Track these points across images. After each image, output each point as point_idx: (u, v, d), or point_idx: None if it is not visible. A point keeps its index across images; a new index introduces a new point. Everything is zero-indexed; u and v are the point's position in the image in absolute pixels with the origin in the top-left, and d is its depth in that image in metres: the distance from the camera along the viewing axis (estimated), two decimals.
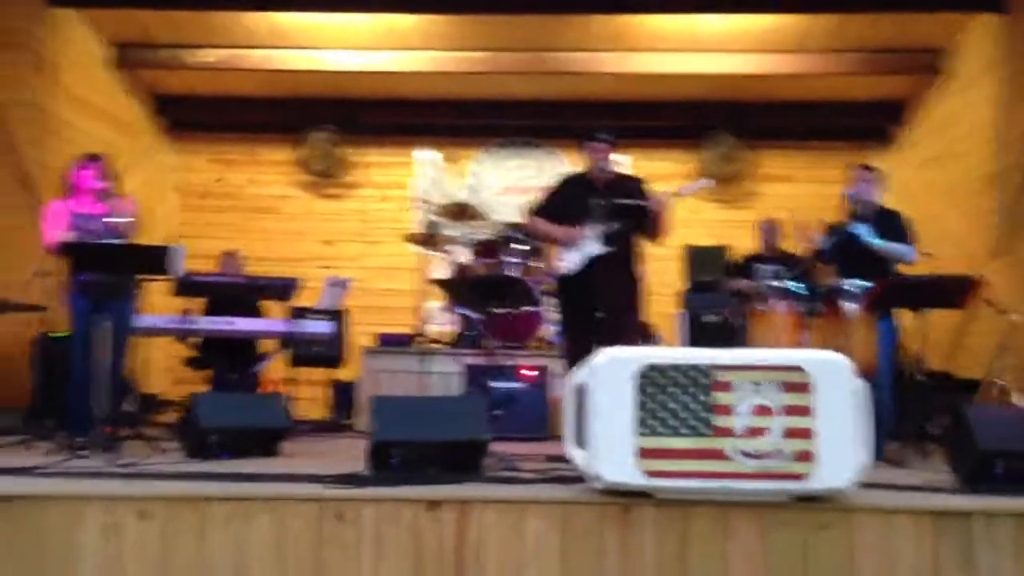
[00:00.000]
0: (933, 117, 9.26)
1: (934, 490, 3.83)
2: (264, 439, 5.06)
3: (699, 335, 7.50)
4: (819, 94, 9.72)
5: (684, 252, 8.74)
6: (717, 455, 3.46)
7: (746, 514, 3.49)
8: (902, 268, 5.75)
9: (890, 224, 5.73)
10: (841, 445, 3.44)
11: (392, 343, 7.68)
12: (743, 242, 7.33)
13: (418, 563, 3.50)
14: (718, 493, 3.47)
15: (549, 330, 7.55)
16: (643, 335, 5.98)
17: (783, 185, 10.13)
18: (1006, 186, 7.72)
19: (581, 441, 3.62)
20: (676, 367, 3.53)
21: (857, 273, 5.45)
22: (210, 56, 9.15)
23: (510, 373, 6.79)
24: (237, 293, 7.12)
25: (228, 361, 7.16)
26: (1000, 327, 6.85)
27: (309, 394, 8.65)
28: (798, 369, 3.51)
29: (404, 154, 10.39)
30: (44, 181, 7.46)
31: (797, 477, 3.44)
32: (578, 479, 3.71)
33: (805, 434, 3.45)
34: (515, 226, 7.93)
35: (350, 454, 4.56)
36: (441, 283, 6.42)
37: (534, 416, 6.58)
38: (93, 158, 5.70)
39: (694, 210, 9.96)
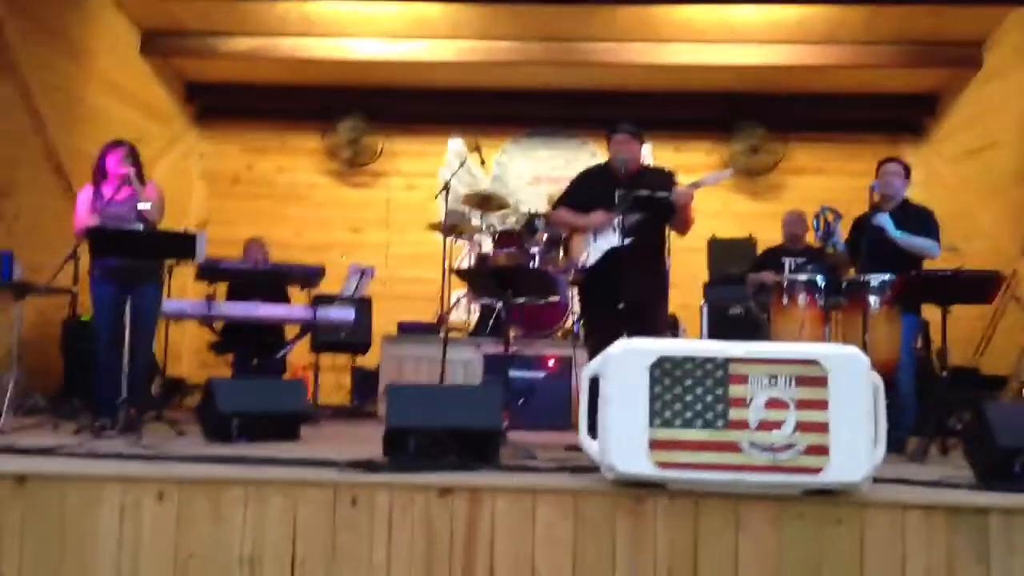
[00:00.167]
0: (967, 110, 9.15)
1: (950, 486, 3.79)
2: (283, 424, 5.10)
3: (722, 327, 7.47)
4: (851, 86, 9.64)
5: (709, 244, 8.69)
6: (731, 448, 3.44)
7: (759, 507, 3.47)
8: (927, 263, 5.70)
9: (914, 218, 5.69)
10: (856, 440, 3.41)
11: (412, 330, 7.71)
12: (772, 234, 7.27)
13: (429, 549, 3.51)
14: (731, 486, 3.46)
15: (572, 320, 7.57)
16: (667, 327, 5.96)
17: (813, 178, 10.05)
18: None
19: (594, 431, 3.62)
20: (691, 359, 3.51)
21: (881, 267, 5.40)
22: (240, 44, 9.22)
23: (529, 362, 6.80)
24: (259, 279, 7.15)
25: (251, 346, 7.20)
26: None
27: (333, 380, 8.73)
28: (814, 363, 3.48)
29: (431, 143, 10.42)
30: (76, 167, 7.56)
31: (811, 471, 3.41)
32: (593, 469, 3.71)
33: (820, 428, 3.43)
34: (539, 216, 7.94)
35: (369, 440, 4.57)
36: (461, 273, 6.42)
37: (556, 405, 6.59)
38: (118, 144, 5.77)
39: (724, 202, 9.94)
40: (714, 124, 10.19)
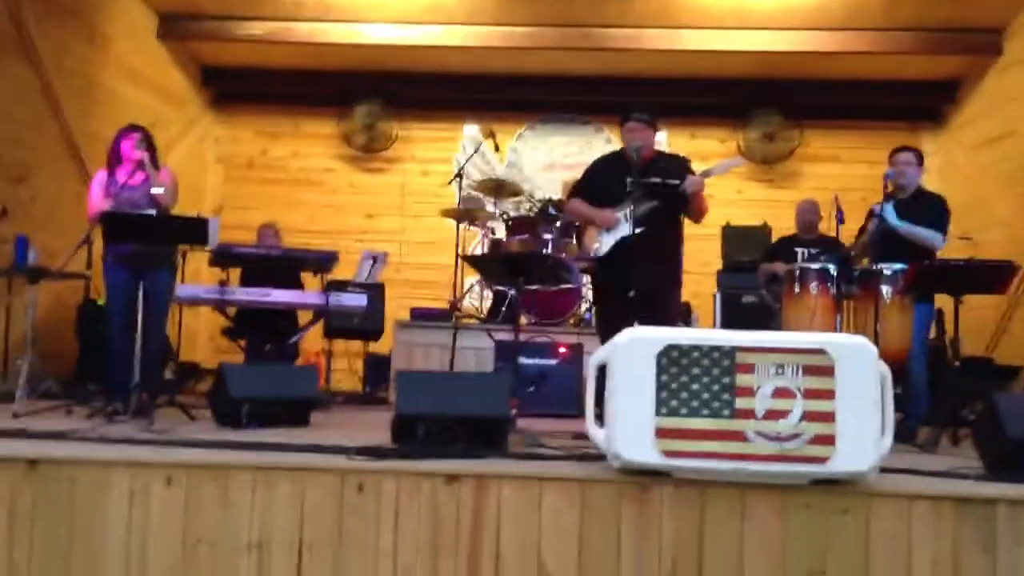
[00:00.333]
0: (986, 98, 9.08)
1: (959, 476, 3.77)
2: (294, 410, 5.11)
3: (735, 316, 7.46)
4: (869, 73, 9.57)
5: (723, 232, 8.66)
6: (737, 436, 3.43)
7: (764, 496, 3.46)
8: (941, 252, 5.66)
9: (923, 207, 5.65)
10: (862, 429, 3.40)
11: (424, 317, 7.73)
12: (788, 222, 7.24)
13: (436, 536, 3.53)
14: (737, 475, 3.45)
15: (585, 308, 7.57)
16: (679, 316, 5.94)
17: (830, 165, 10.02)
18: None
19: (602, 419, 3.63)
20: (698, 348, 3.50)
21: (895, 256, 5.37)
22: (257, 28, 9.24)
23: (541, 350, 6.81)
24: (272, 264, 7.17)
25: (264, 332, 7.22)
26: None
27: (346, 366, 8.76)
28: (821, 352, 3.47)
29: (446, 128, 10.43)
30: (92, 151, 7.60)
31: (817, 460, 3.40)
32: (600, 457, 3.71)
33: (826, 418, 3.41)
34: (552, 203, 7.93)
35: (379, 426, 4.58)
36: (471, 259, 6.43)
37: (567, 393, 6.59)
38: (133, 129, 5.79)
39: (739, 189, 9.91)
40: (730, 111, 10.15)
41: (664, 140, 9.49)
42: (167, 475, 3.60)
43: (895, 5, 8.38)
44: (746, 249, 8.09)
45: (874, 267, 5.41)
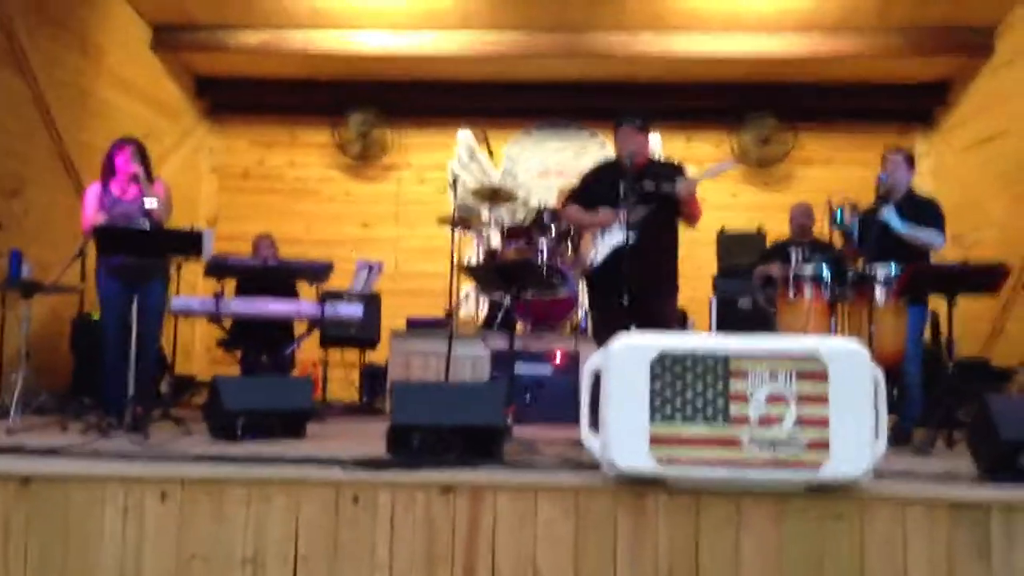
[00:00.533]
0: (979, 98, 9.08)
1: (953, 480, 3.77)
2: (290, 421, 5.09)
3: (730, 320, 7.45)
4: (862, 75, 9.59)
5: (718, 237, 8.66)
6: (731, 443, 3.42)
7: (759, 503, 3.46)
8: (934, 254, 5.66)
9: (918, 209, 5.65)
10: (856, 434, 3.39)
11: (420, 326, 7.71)
12: (783, 226, 7.23)
13: (431, 547, 3.52)
14: (732, 482, 3.44)
15: (581, 315, 7.56)
16: (675, 322, 5.94)
17: (824, 168, 10.02)
18: None
19: (596, 427, 3.62)
20: (691, 354, 3.49)
21: (888, 259, 5.37)
22: (251, 38, 9.24)
23: (537, 357, 6.80)
24: (268, 275, 7.17)
25: (259, 343, 7.21)
26: None
27: (342, 376, 8.74)
28: (814, 357, 3.47)
29: (442, 136, 10.40)
30: (86, 163, 7.59)
31: (811, 466, 3.39)
32: (595, 466, 3.70)
33: (820, 423, 3.41)
34: (548, 210, 7.93)
35: (374, 437, 4.58)
36: (466, 269, 6.42)
37: (564, 400, 6.58)
38: (127, 141, 5.79)
39: (734, 193, 9.91)
40: (724, 115, 10.15)
41: (660, 145, 9.52)
42: (161, 490, 3.58)
43: (887, 6, 8.40)
44: (741, 254, 8.09)
45: (868, 270, 5.41)
